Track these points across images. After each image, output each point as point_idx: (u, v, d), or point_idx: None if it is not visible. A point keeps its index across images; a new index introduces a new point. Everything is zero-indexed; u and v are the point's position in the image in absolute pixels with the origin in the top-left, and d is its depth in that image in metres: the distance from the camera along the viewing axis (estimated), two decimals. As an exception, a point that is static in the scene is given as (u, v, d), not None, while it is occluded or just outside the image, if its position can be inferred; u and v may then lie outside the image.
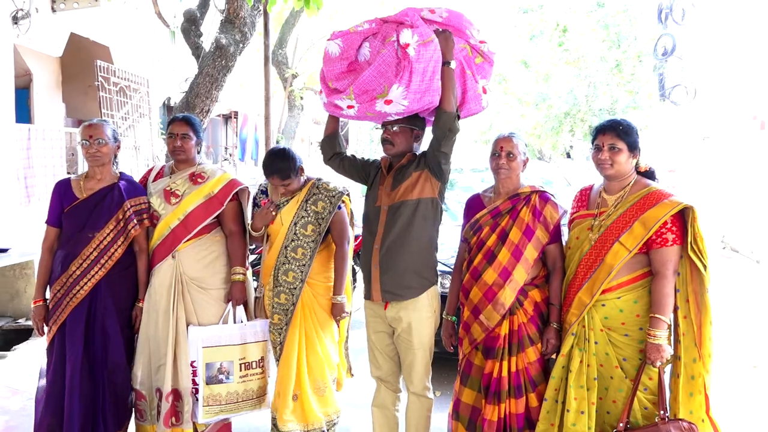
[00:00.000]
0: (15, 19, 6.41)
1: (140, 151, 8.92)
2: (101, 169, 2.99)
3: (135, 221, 2.97)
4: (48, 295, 2.98)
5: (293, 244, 3.01)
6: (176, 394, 2.99)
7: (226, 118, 15.70)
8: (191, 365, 2.98)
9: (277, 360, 3.09)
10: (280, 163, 2.99)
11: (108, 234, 2.91)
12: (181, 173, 3.10)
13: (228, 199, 3.05)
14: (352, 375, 3.42)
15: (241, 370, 3.05)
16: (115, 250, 2.93)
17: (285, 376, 3.00)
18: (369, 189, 2.95)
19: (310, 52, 14.36)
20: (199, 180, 3.06)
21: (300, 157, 3.09)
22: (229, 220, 3.09)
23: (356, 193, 7.23)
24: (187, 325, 3.01)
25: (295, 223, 3.02)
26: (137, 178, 3.23)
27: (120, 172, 3.10)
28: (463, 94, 2.87)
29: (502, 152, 2.68)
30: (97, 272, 2.89)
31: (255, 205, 3.39)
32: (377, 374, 2.99)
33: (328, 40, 2.77)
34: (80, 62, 8.51)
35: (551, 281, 2.68)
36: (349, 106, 2.72)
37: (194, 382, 2.98)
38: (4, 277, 5.77)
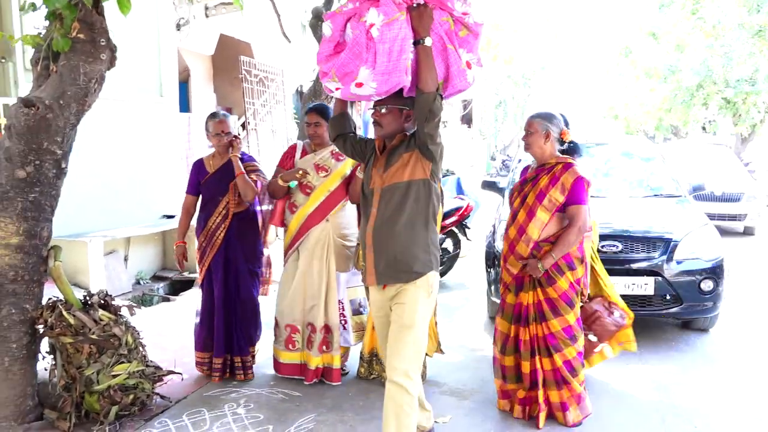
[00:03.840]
0: (178, 26, 7.74)
1: (276, 134, 10.15)
2: (224, 149, 3.86)
3: (254, 178, 3.81)
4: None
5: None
6: (327, 328, 3.76)
7: (352, 102, 16.79)
8: (339, 302, 3.83)
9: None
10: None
11: (231, 196, 3.78)
12: (323, 151, 3.78)
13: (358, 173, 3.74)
14: (443, 352, 3.96)
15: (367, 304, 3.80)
16: (236, 205, 3.77)
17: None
18: (365, 170, 2.93)
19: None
20: (340, 158, 3.71)
21: None
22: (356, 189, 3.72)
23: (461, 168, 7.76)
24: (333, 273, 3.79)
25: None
26: (276, 156, 4.12)
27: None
28: (446, 70, 2.72)
29: (525, 130, 3.31)
30: (225, 225, 3.77)
31: None
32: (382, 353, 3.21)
33: (324, 22, 2.79)
34: (227, 58, 9.85)
35: (561, 234, 3.19)
36: (336, 88, 2.73)
37: (342, 316, 3.85)
38: (172, 238, 7.12)
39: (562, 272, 3.20)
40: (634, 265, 4.57)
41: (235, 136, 3.83)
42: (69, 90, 3.13)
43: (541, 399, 3.26)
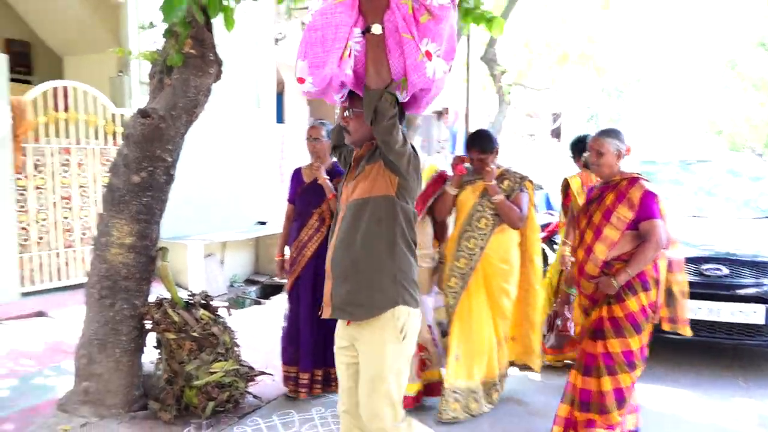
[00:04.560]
0: (276, 41, 8.09)
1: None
2: (320, 159, 3.75)
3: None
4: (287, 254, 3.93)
5: (478, 214, 3.51)
6: (419, 347, 3.50)
7: (439, 114, 16.86)
8: (429, 327, 3.62)
9: (448, 322, 3.60)
10: (482, 139, 3.53)
11: (324, 208, 3.72)
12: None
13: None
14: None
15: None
16: (329, 219, 3.62)
17: (472, 337, 3.50)
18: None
19: (519, 49, 14.78)
20: None
21: (498, 141, 3.57)
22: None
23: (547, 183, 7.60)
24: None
25: (482, 197, 3.50)
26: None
27: (334, 161, 3.73)
28: (404, 64, 2.25)
29: (593, 150, 3.13)
30: (318, 238, 3.67)
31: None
32: (339, 407, 2.47)
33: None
34: (320, 71, 10.14)
35: (636, 250, 3.00)
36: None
37: (433, 340, 3.66)
38: (265, 244, 7.43)
39: (635, 292, 3.00)
40: (741, 291, 4.28)
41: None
42: (180, 102, 3.35)
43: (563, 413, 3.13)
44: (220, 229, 7.08)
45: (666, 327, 3.21)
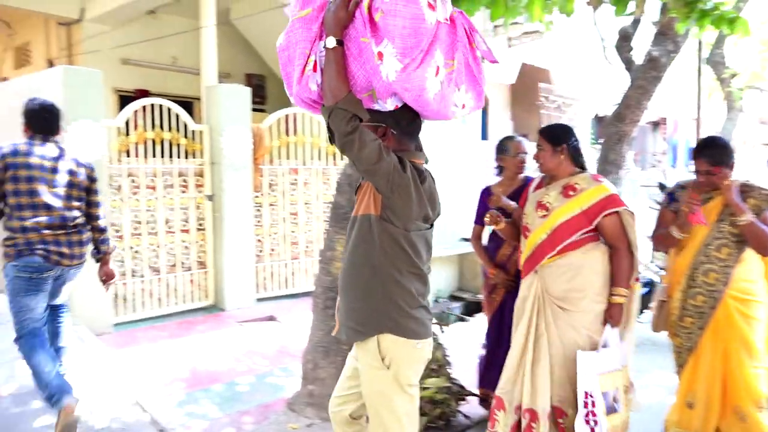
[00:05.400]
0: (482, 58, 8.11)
1: (572, 160, 9.87)
2: (515, 173, 3.50)
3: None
4: None
5: (717, 242, 2.88)
6: (532, 414, 2.76)
7: (655, 124, 15.51)
8: (586, 396, 2.66)
9: (680, 366, 3.04)
10: (713, 148, 2.91)
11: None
12: (555, 184, 2.92)
13: (602, 216, 2.77)
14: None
15: (625, 395, 2.85)
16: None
17: (705, 385, 2.92)
18: None
19: (752, 48, 13.02)
20: (571, 193, 2.83)
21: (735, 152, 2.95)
22: (610, 236, 2.80)
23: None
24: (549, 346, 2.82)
25: (721, 220, 2.87)
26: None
27: (526, 176, 3.48)
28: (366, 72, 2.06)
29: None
30: (516, 257, 3.21)
31: (672, 200, 3.15)
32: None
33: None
34: (525, 85, 9.96)
35: None
36: None
37: (592, 414, 2.66)
38: (468, 261, 7.44)
39: None
40: None
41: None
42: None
43: None
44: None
45: None
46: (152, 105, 5.26)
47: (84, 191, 3.38)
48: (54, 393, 3.01)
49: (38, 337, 3.25)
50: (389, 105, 2.11)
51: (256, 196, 5.83)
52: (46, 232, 3.17)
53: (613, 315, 2.76)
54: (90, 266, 3.44)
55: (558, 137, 2.90)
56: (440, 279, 7.35)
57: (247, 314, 5.53)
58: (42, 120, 3.33)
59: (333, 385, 3.71)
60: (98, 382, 3.89)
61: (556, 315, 2.79)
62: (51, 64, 8.22)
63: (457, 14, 2.11)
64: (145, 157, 5.24)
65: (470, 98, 2.19)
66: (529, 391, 2.78)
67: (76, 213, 3.31)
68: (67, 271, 3.29)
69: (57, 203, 3.21)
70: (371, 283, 2.11)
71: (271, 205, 5.98)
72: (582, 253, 2.79)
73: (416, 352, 2.15)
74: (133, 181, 5.24)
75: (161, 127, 5.15)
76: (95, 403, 3.58)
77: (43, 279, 3.22)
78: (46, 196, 3.17)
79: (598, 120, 12.04)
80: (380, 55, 2.00)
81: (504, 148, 3.57)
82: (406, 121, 2.14)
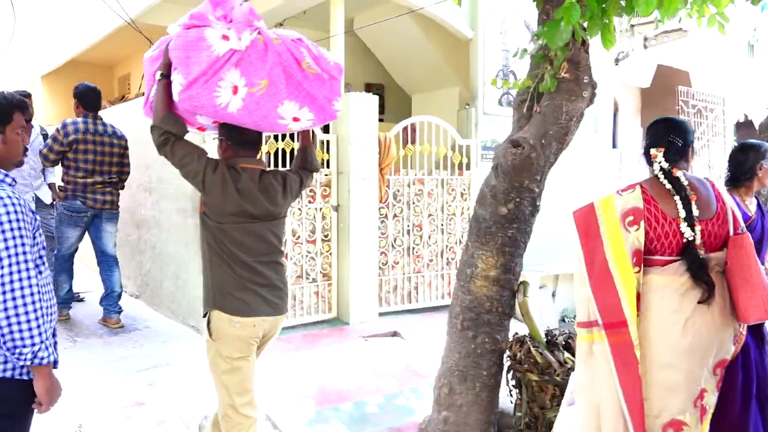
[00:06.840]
0: (616, 61, 7.56)
1: (713, 169, 8.99)
2: None
3: None
4: None
5: None
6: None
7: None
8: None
9: None
10: None
11: None
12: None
13: None
14: None
15: None
16: None
17: None
18: None
19: None
20: None
21: None
22: None
23: None
24: None
25: None
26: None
27: None
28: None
29: None
30: None
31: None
32: None
33: None
34: (660, 89, 9.21)
35: None
36: None
37: None
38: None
39: None
40: None
41: None
42: (551, 129, 3.18)
43: None
44: (554, 260, 6.79)
45: None
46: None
47: (118, 156, 4.83)
48: (58, 303, 4.10)
49: (68, 262, 4.82)
50: (205, 121, 2.63)
51: (381, 207, 5.68)
52: (89, 183, 4.68)
53: None
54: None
55: None
56: (567, 297, 6.81)
57: (370, 329, 5.37)
58: (90, 99, 4.74)
59: (470, 413, 3.48)
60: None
61: None
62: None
63: (282, 41, 2.48)
64: (276, 167, 5.25)
65: (307, 111, 2.52)
66: None
67: (114, 170, 4.82)
68: (100, 213, 4.78)
69: (100, 167, 4.74)
70: (205, 268, 2.58)
71: (395, 216, 5.82)
72: None
73: (236, 330, 2.50)
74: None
75: (291, 138, 5.13)
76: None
77: (80, 217, 4.73)
78: (93, 159, 4.70)
79: (738, 126, 10.96)
80: (236, 88, 2.40)
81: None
82: (236, 133, 2.55)
